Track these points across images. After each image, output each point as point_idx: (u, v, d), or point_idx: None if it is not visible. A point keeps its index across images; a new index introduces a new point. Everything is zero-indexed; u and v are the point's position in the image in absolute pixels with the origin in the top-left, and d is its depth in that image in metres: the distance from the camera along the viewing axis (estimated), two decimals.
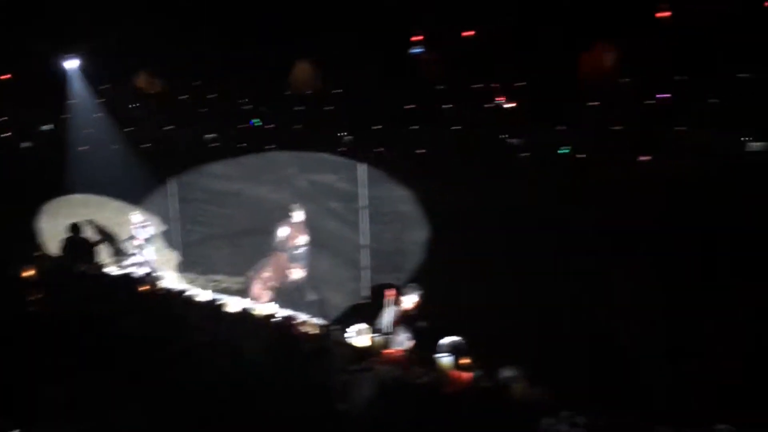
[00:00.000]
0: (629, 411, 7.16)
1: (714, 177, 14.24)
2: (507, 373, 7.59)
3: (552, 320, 11.68)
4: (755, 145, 14.95)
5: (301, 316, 11.56)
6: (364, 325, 9.49)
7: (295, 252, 14.61)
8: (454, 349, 8.24)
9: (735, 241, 12.10)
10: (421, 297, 10.48)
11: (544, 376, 7.48)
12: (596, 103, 16.99)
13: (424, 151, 18.56)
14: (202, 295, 12.20)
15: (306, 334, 9.75)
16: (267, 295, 14.39)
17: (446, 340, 8.41)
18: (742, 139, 14.97)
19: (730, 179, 14.09)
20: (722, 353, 10.18)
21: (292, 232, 14.70)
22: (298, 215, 14.77)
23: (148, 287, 11.71)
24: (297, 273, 14.58)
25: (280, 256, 14.63)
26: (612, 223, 13.47)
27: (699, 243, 12.31)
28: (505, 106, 18.79)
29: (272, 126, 22.26)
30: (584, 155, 16.52)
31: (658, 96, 16.31)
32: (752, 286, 11.44)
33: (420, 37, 20.61)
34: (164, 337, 9.16)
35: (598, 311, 11.78)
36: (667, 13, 15.94)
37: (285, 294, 14.40)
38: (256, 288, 14.58)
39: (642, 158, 15.68)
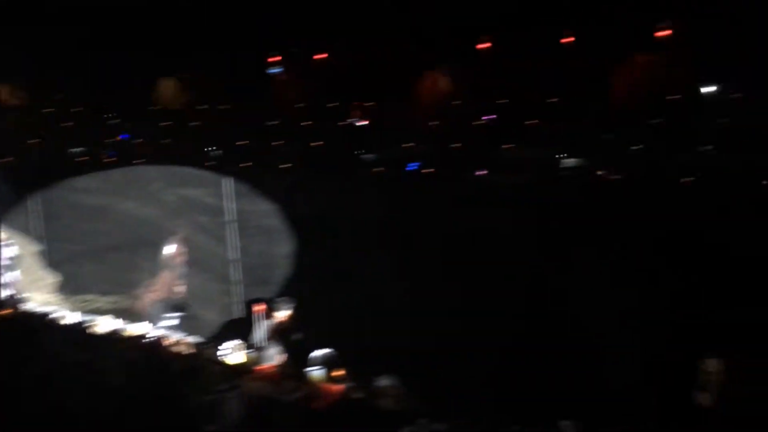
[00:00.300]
0: (487, 414, 7.23)
1: (536, 189, 15.37)
2: (382, 382, 7.36)
3: (422, 326, 11.53)
4: (569, 161, 16.35)
5: (173, 335, 10.53)
6: (237, 342, 8.83)
7: (176, 269, 14.04)
8: (326, 362, 7.94)
9: (559, 246, 13.07)
10: (292, 310, 9.93)
11: (418, 384, 7.35)
12: (437, 123, 17.95)
13: (287, 165, 18.73)
14: (69, 317, 10.94)
15: (177, 353, 8.95)
16: (146, 313, 13.74)
17: (318, 353, 8.05)
18: (557, 156, 16.38)
19: (551, 191, 15.28)
20: (563, 353, 10.63)
21: (174, 249, 14.13)
22: (178, 231, 14.32)
23: (8, 311, 10.65)
24: (175, 290, 14.02)
25: (164, 273, 13.95)
26: (458, 231, 14.04)
27: (530, 248, 13.16)
28: (358, 124, 19.43)
29: (140, 140, 21.70)
30: (432, 170, 17.37)
31: (484, 117, 17.53)
32: (569, 283, 12.29)
33: (278, 58, 20.79)
34: (19, 362, 8.43)
35: (459, 316, 12.01)
36: (488, 44, 17.11)
37: (160, 312, 13.85)
38: (139, 306, 13.85)
39: (479, 173, 16.72)
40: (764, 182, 13.96)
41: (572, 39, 16.38)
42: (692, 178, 14.62)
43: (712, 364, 6.94)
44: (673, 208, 13.96)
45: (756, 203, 13.40)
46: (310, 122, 19.91)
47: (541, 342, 10.72)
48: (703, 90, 15.65)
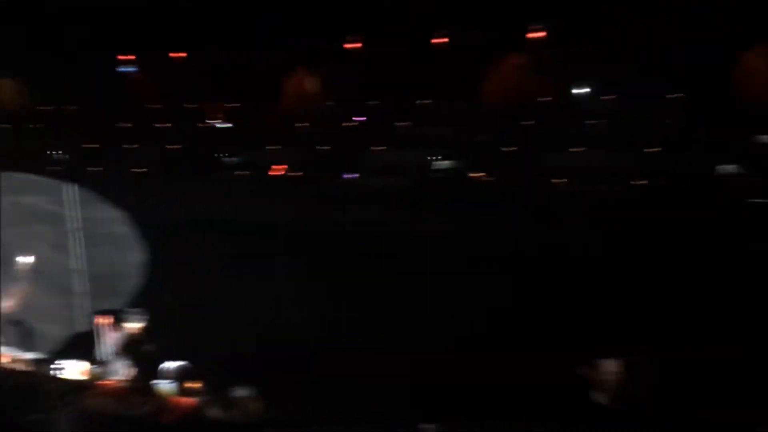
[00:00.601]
0: (349, 419, 7.16)
1: (408, 191, 15.19)
2: (240, 392, 7.19)
3: (286, 333, 11.32)
4: (443, 164, 16.23)
5: (7, 351, 10.05)
6: (79, 356, 8.51)
7: (11, 282, 12.81)
8: (179, 374, 7.59)
9: (432, 248, 12.90)
10: (143, 321, 9.69)
11: (276, 393, 7.21)
12: (305, 125, 17.35)
13: (140, 169, 17.53)
14: None
15: (11, 370, 8.56)
16: None
17: (169, 365, 7.69)
18: (429, 158, 16.22)
19: (423, 193, 15.15)
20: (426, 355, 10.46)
21: (11, 261, 12.92)
22: (14, 242, 13.02)
23: None
24: (10, 304, 12.81)
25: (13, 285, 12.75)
26: (325, 235, 13.64)
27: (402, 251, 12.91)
28: (219, 126, 18.47)
29: None
30: (300, 173, 16.79)
31: (355, 119, 17.12)
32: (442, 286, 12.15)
33: (131, 57, 19.53)
34: None
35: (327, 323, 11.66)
36: (358, 45, 16.75)
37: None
38: None
39: (349, 176, 16.29)
40: (633, 183, 14.39)
41: (445, 40, 16.28)
42: (564, 180, 14.89)
43: (608, 365, 7.08)
44: (547, 209, 14.20)
45: (626, 203, 13.84)
46: (167, 124, 18.73)
47: (410, 344, 10.50)
48: (575, 91, 15.98)
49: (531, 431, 7.17)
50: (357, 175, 16.24)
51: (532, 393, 8.90)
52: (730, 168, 13.97)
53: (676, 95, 14.55)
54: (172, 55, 18.59)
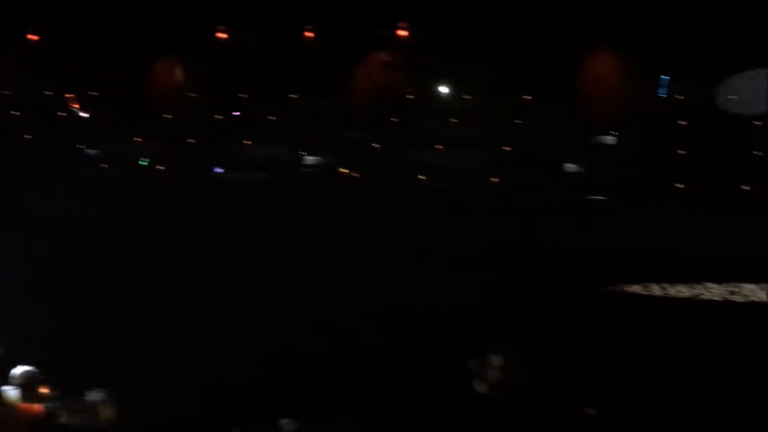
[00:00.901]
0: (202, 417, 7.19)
1: (279, 186, 15.29)
2: (93, 396, 6.73)
3: (138, 330, 10.98)
4: (310, 159, 16.43)
5: None
6: None
7: None
8: (26, 380, 7.42)
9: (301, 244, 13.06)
10: None
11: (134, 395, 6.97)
12: (170, 117, 16.99)
13: None
14: None
15: None
16: None
17: (16, 371, 7.55)
18: (299, 153, 16.37)
19: (294, 188, 15.29)
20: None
21: None
22: None
23: None
24: None
25: None
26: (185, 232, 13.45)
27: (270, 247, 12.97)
28: (81, 114, 17.72)
29: None
30: (164, 167, 16.43)
31: (226, 112, 16.94)
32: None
33: None
34: None
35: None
36: (225, 35, 16.60)
37: None
38: None
39: (217, 170, 16.16)
40: (492, 179, 15.16)
41: (312, 35, 16.45)
42: (426, 176, 15.44)
43: (491, 359, 7.44)
44: (413, 203, 14.66)
45: (482, 198, 14.55)
46: (18, 113, 17.77)
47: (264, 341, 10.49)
48: (438, 90, 16.54)
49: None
50: (223, 170, 16.13)
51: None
52: (572, 167, 15.14)
53: (527, 97, 15.47)
54: (29, 37, 17.67)
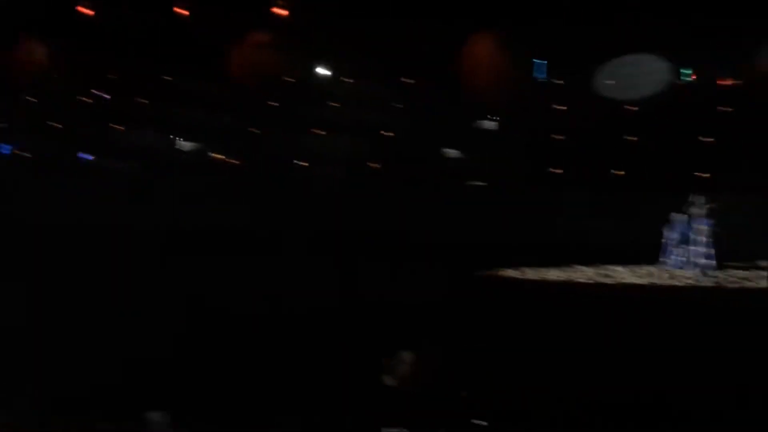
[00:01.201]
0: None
1: (150, 174, 14.74)
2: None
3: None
4: (185, 145, 15.87)
5: None
6: None
7: None
8: None
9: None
10: None
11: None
12: (33, 100, 15.99)
13: None
14: None
15: None
16: None
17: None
18: (173, 138, 15.77)
19: (166, 176, 14.80)
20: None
21: None
22: None
23: None
24: None
25: None
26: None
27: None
28: None
29: None
30: (28, 155, 15.54)
31: (94, 94, 16.06)
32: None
33: None
34: None
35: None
36: (90, 12, 15.64)
37: None
38: None
39: (84, 156, 15.39)
40: (372, 165, 15.10)
41: (186, 13, 15.76)
42: (307, 163, 15.23)
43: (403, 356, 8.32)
44: (293, 192, 14.50)
45: (363, 187, 14.51)
46: None
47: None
48: (317, 72, 16.25)
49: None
50: (92, 157, 15.39)
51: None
52: (453, 152, 15.26)
53: (407, 80, 15.42)
54: None
